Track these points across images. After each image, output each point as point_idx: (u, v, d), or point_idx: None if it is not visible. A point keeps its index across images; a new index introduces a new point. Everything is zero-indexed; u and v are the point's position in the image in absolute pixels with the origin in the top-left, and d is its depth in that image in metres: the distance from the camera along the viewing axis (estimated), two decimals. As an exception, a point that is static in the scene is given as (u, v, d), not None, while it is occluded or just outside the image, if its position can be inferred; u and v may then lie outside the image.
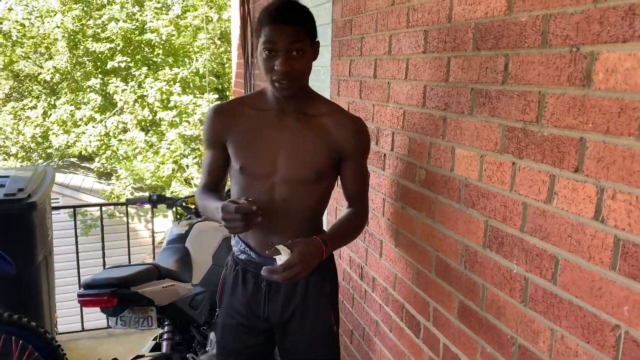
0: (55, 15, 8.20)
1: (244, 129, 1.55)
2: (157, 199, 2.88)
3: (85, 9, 8.40)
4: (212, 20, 8.75)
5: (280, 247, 1.38)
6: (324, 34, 2.63)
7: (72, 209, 3.42)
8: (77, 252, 3.45)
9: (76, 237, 3.43)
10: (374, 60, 1.93)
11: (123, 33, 8.35)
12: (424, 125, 1.60)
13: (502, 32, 1.24)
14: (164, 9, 9.09)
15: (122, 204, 3.77)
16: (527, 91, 1.17)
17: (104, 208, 7.77)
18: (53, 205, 3.32)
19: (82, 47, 8.48)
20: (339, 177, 1.64)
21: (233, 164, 1.58)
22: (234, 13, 5.05)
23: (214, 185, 1.66)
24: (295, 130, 1.53)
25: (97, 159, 8.90)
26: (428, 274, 1.61)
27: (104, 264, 3.56)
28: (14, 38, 8.34)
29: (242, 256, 1.64)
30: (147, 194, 8.67)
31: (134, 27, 8.48)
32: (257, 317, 1.64)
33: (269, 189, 1.53)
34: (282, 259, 1.37)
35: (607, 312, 0.98)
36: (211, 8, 8.87)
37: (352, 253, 2.23)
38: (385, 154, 1.88)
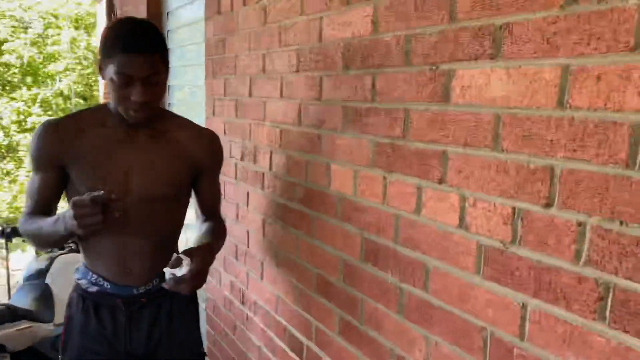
0: None
1: (87, 149, 1.42)
2: (12, 232, 2.59)
3: None
4: (80, 42, 8.21)
5: (182, 256, 1.31)
6: (198, 53, 2.57)
7: None
8: None
9: None
10: (249, 78, 1.91)
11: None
12: (301, 143, 1.61)
13: (368, 51, 1.29)
14: (22, 28, 8.34)
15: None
16: (393, 108, 1.22)
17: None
18: None
19: None
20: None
21: (77, 188, 1.42)
22: (99, 33, 4.78)
23: (43, 210, 1.46)
24: (147, 147, 1.46)
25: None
26: (309, 292, 1.60)
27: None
28: None
29: (93, 288, 1.51)
30: None
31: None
32: (119, 352, 1.51)
33: (123, 211, 1.38)
34: (182, 269, 1.30)
35: (474, 315, 1.03)
36: (77, 29, 8.32)
37: (233, 277, 2.16)
38: (264, 173, 1.85)
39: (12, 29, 7.94)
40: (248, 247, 2.01)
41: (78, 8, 8.12)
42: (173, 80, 3.08)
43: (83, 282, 1.52)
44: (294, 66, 1.62)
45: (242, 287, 2.08)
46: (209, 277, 2.41)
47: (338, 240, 1.45)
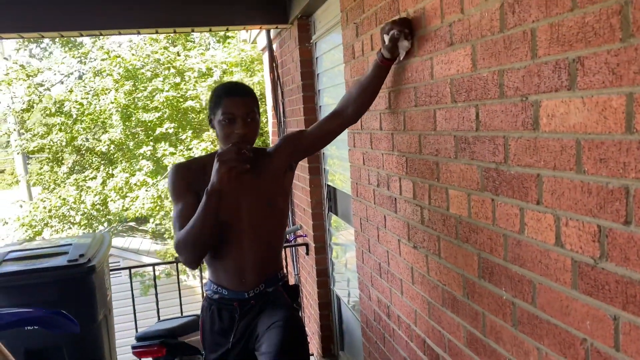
0: (109, 92, 8.97)
1: (206, 185, 1.76)
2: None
3: (135, 83, 9.14)
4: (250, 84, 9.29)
5: None
6: (342, 92, 2.87)
7: (128, 270, 3.72)
8: (134, 310, 3.72)
9: (132, 295, 3.71)
10: (379, 114, 2.13)
11: (168, 102, 9.01)
12: (422, 170, 1.77)
13: (470, 86, 1.42)
14: (204, 76, 9.71)
15: (172, 262, 4.04)
16: (494, 136, 1.33)
17: (162, 268, 8.28)
18: (111, 267, 3.63)
19: (134, 118, 9.19)
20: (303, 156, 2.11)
21: None
22: (266, 78, 5.42)
23: None
24: (249, 178, 1.82)
25: (151, 221, 9.43)
26: (440, 307, 1.74)
27: (159, 319, 3.81)
28: (74, 116, 9.16)
29: (216, 296, 1.92)
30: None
31: (178, 94, 9.12)
32: (228, 342, 1.90)
33: (238, 234, 1.85)
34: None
35: (576, 327, 1.10)
36: (247, 72, 9.41)
37: (379, 294, 2.36)
38: (395, 198, 2.05)
39: (195, 79, 9.31)
40: (389, 265, 2.20)
41: (243, 54, 9.19)
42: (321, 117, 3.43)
43: (209, 292, 1.95)
44: (413, 101, 1.80)
45: (387, 303, 2.27)
46: (360, 293, 2.65)
47: (459, 259, 1.57)
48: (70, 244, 3.15)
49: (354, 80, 2.45)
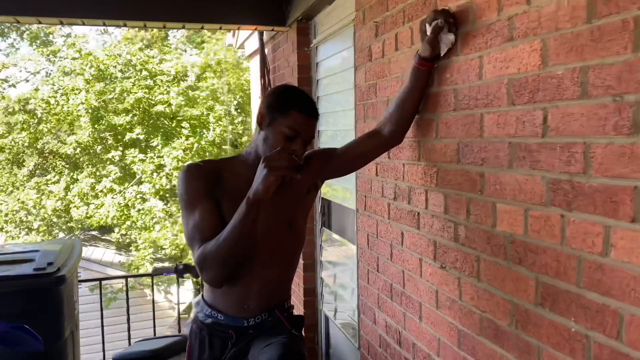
0: (79, 93, 8.55)
1: (228, 193, 1.58)
2: (184, 269, 2.87)
3: (106, 85, 8.76)
4: (223, 92, 9.06)
5: None
6: (347, 99, 2.69)
7: (97, 282, 3.39)
8: (102, 327, 3.40)
9: (101, 309, 3.39)
10: (402, 120, 1.95)
11: (138, 104, 8.67)
12: (459, 182, 1.59)
13: (537, 85, 1.25)
14: (176, 81, 9.41)
15: (148, 275, 3.76)
16: (570, 142, 1.16)
17: (122, 281, 7.85)
18: (79, 279, 3.31)
19: (104, 121, 8.79)
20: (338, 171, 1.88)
21: None
22: (253, 85, 5.21)
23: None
24: (272, 201, 1.52)
25: (116, 230, 8.97)
26: (475, 336, 1.54)
27: (129, 338, 3.49)
28: (39, 115, 8.68)
29: (209, 320, 1.68)
30: (168, 264, 8.64)
31: (149, 97, 8.79)
32: None
33: (250, 253, 1.61)
34: None
35: (686, 370, 0.92)
36: (220, 78, 9.18)
37: (388, 317, 2.16)
38: (418, 213, 1.86)
39: (168, 83, 9.02)
40: (404, 287, 2.00)
41: (216, 57, 8.97)
42: (322, 126, 3.24)
43: (200, 315, 1.70)
44: (451, 105, 1.62)
45: (399, 328, 2.06)
46: (362, 316, 2.44)
47: (508, 283, 1.38)
48: (38, 250, 2.83)
49: (367, 85, 2.27)
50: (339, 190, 3.00)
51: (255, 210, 1.46)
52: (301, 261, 3.54)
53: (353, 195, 2.62)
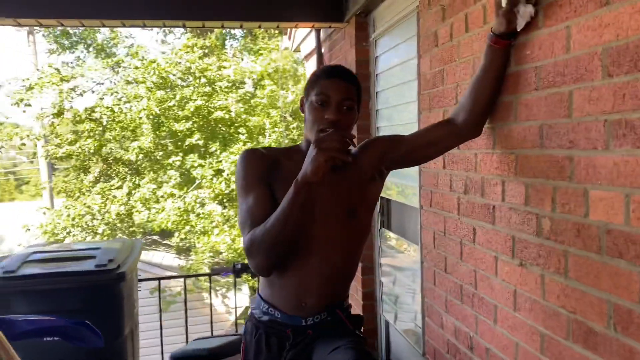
0: (141, 100, 8.83)
1: (280, 178, 1.51)
2: (241, 268, 2.82)
3: (167, 92, 9.00)
4: (280, 97, 9.10)
5: None
6: (409, 91, 2.57)
7: (156, 284, 3.41)
8: (161, 325, 3.40)
9: (160, 309, 3.40)
10: (473, 106, 1.80)
11: (198, 111, 8.84)
12: (543, 169, 1.43)
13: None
14: (234, 88, 9.54)
15: (206, 275, 3.76)
16: (686, 113, 0.99)
17: (180, 283, 7.97)
18: (139, 277, 3.33)
19: (165, 127, 9.03)
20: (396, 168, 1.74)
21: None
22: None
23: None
24: (330, 187, 1.53)
25: (176, 234, 9.16)
26: (562, 341, 1.38)
27: (187, 337, 3.48)
28: (104, 123, 9.02)
29: (265, 317, 1.58)
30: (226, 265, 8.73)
31: (209, 105, 8.95)
32: None
33: (308, 245, 1.52)
34: None
35: None
36: (279, 86, 9.22)
37: (458, 321, 2.00)
38: (493, 206, 1.70)
39: (226, 89, 9.14)
40: (476, 288, 1.84)
41: (273, 64, 9.01)
42: (380, 122, 3.13)
43: (256, 312, 1.60)
44: (532, 85, 1.47)
45: (470, 332, 1.91)
46: (427, 319, 2.29)
47: (604, 280, 1.22)
48: (99, 248, 2.86)
49: (433, 72, 2.14)
50: (399, 188, 2.87)
51: (304, 193, 1.37)
52: (359, 263, 3.42)
53: (415, 191, 2.49)
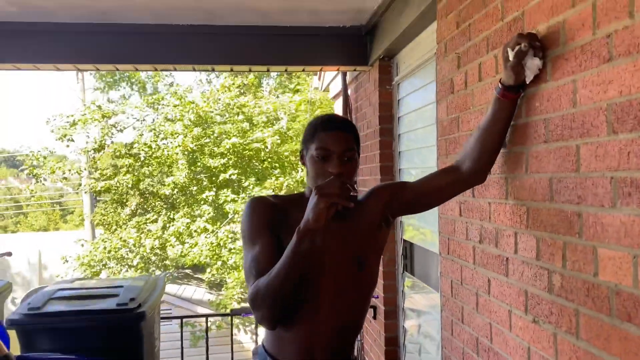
0: (177, 136, 9.11)
1: (290, 228, 1.44)
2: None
3: (203, 128, 9.27)
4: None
5: None
6: (428, 136, 2.56)
7: (179, 319, 3.43)
8: (182, 363, 3.41)
9: (182, 348, 3.40)
10: (487, 155, 1.78)
11: (234, 149, 9.02)
12: (553, 223, 1.39)
13: (645, 110, 1.06)
14: (270, 123, 9.72)
15: (226, 315, 3.75)
16: (690, 175, 0.95)
17: (212, 319, 7.98)
18: (162, 315, 3.36)
19: (199, 163, 9.26)
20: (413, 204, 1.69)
21: None
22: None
23: None
24: (338, 229, 1.51)
25: (208, 270, 9.24)
26: (575, 405, 1.31)
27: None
28: (142, 159, 9.33)
29: None
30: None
31: (245, 142, 9.13)
32: None
33: (315, 297, 1.50)
34: None
35: None
36: (313, 114, 9.34)
37: (474, 374, 1.93)
38: (507, 258, 1.66)
39: (263, 124, 9.32)
40: (491, 342, 1.78)
41: (312, 102, 9.15)
42: (402, 164, 3.12)
43: None
44: (542, 137, 1.44)
45: (486, 388, 1.83)
46: (445, 372, 2.22)
47: (614, 344, 1.16)
48: (122, 286, 2.91)
49: (449, 118, 2.13)
50: (422, 232, 2.83)
51: (306, 242, 1.35)
52: (382, 307, 3.36)
53: (436, 237, 2.45)
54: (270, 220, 1.52)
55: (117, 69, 3.38)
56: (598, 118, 1.21)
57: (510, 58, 1.45)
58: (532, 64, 1.43)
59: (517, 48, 1.43)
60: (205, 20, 3.20)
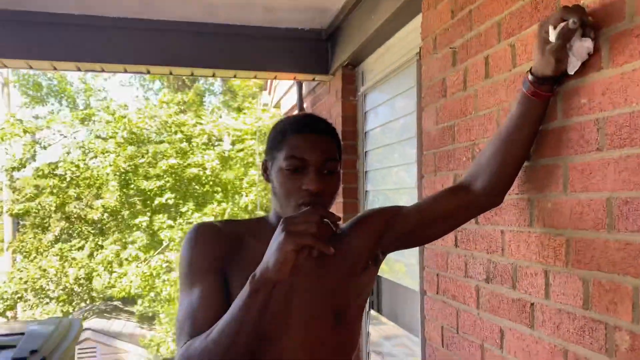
0: (108, 156, 8.36)
1: (245, 262, 1.09)
2: None
3: (138, 147, 8.56)
4: (262, 152, 8.72)
5: None
6: (405, 150, 2.19)
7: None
8: None
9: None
10: (498, 171, 1.41)
11: (172, 170, 8.37)
12: (615, 260, 1.02)
13: None
14: (212, 145, 9.18)
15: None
16: None
17: None
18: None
19: (133, 185, 8.51)
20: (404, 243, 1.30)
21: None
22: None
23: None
24: (311, 280, 1.13)
25: (139, 301, 8.43)
26: None
27: None
28: (68, 179, 8.48)
29: None
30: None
31: (184, 163, 8.50)
32: None
33: (280, 357, 1.08)
34: None
35: None
36: (260, 142, 8.88)
37: None
38: (532, 303, 1.27)
39: (204, 145, 8.74)
40: (505, 411, 1.38)
41: (260, 123, 8.70)
42: (369, 185, 2.74)
43: None
44: (593, 144, 1.08)
45: None
46: None
47: None
48: (22, 334, 2.31)
49: (439, 128, 1.76)
50: (389, 264, 2.43)
51: (262, 294, 0.94)
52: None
53: (413, 270, 2.06)
54: (217, 256, 1.10)
55: (31, 67, 2.82)
56: (701, 112, 0.85)
57: (552, 39, 1.08)
58: (581, 47, 1.07)
59: (561, 25, 1.06)
60: (140, 14, 2.72)
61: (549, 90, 1.15)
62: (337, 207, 2.87)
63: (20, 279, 8.11)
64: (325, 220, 0.93)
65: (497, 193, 1.27)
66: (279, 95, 4.58)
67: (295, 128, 1.12)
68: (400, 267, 2.31)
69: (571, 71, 1.11)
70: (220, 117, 10.49)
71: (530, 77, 1.15)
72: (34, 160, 8.67)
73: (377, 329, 2.68)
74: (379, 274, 2.53)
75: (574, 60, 1.10)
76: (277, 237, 0.92)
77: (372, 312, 2.72)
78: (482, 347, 1.50)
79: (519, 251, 1.33)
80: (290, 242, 0.90)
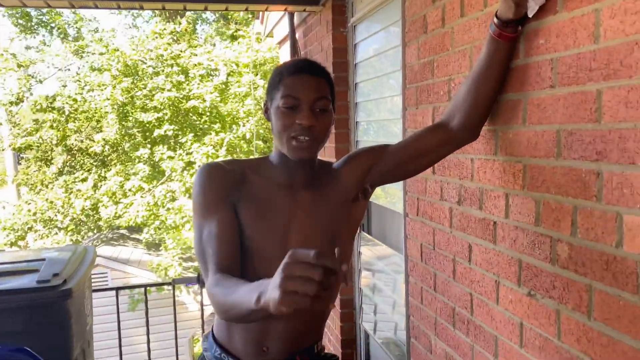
0: (105, 88, 8.37)
1: (249, 197, 1.26)
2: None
3: (134, 80, 8.54)
4: (258, 86, 8.70)
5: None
6: (393, 83, 2.30)
7: (114, 291, 3.10)
8: (120, 343, 3.10)
9: (118, 322, 3.08)
10: (470, 104, 1.54)
11: (169, 102, 8.40)
12: (561, 184, 1.18)
13: None
14: (209, 76, 9.14)
15: (168, 284, 3.44)
16: None
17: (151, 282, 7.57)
18: (94, 288, 3.02)
19: (131, 118, 8.59)
20: (395, 168, 1.43)
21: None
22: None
23: (231, 260, 1.18)
24: (306, 206, 1.30)
25: (145, 230, 8.77)
26: (583, 391, 1.14)
27: (149, 350, 3.20)
28: (67, 113, 8.54)
29: None
30: (192, 271, 8.40)
31: (180, 95, 8.52)
32: None
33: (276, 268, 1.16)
34: None
35: None
36: (257, 75, 8.85)
37: (450, 348, 1.76)
38: (494, 222, 1.45)
39: (200, 77, 8.71)
40: (472, 314, 1.60)
41: (257, 55, 8.62)
42: (360, 116, 2.86)
43: (208, 354, 1.35)
44: (547, 81, 1.21)
45: (464, 363, 1.67)
46: (413, 340, 2.05)
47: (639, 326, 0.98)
48: (44, 259, 2.53)
49: (421, 63, 1.87)
50: (379, 189, 2.61)
51: (259, 315, 1.02)
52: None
53: (399, 195, 2.23)
54: (227, 191, 1.26)
55: (25, 5, 2.85)
56: (632, 55, 0.98)
57: None
58: None
59: None
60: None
61: (513, 31, 1.26)
62: (329, 152, 3.01)
63: (29, 210, 8.39)
64: (333, 266, 0.81)
65: (472, 128, 1.41)
66: (272, 24, 4.58)
67: (291, 70, 1.25)
68: (389, 193, 2.49)
69: (530, 14, 1.22)
70: (214, 45, 10.36)
71: (495, 20, 1.26)
72: (31, 94, 8.68)
73: (369, 249, 2.91)
74: (370, 200, 2.72)
75: (532, 4, 1.20)
76: (277, 278, 0.84)
77: (364, 233, 2.94)
78: (454, 260, 1.70)
79: (486, 177, 1.49)
80: (286, 300, 0.82)
